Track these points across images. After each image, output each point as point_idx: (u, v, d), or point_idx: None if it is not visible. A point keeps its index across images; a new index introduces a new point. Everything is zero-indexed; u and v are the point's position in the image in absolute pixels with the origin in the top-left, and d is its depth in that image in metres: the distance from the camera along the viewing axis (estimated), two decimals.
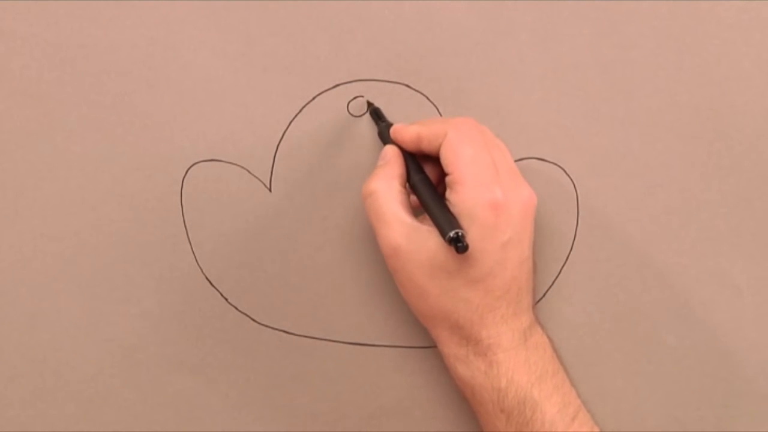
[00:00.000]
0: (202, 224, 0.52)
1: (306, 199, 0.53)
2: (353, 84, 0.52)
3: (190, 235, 0.52)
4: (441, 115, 0.52)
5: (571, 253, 0.53)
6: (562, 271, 0.54)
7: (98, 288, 0.52)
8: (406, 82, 0.52)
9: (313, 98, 0.52)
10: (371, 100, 0.52)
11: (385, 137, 0.50)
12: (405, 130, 0.49)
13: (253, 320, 0.53)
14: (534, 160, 0.53)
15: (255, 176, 0.52)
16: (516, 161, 0.52)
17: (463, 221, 0.45)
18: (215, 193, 0.52)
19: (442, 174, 0.47)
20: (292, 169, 0.52)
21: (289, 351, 0.53)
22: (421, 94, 0.52)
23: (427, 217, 0.47)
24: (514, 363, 0.47)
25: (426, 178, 0.48)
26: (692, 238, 0.53)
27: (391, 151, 0.49)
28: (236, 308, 0.53)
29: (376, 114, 0.51)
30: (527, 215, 0.47)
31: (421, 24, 0.51)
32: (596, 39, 0.52)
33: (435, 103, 0.52)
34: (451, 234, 0.43)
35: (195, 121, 0.52)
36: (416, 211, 0.48)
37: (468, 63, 0.52)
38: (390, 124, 0.50)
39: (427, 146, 0.48)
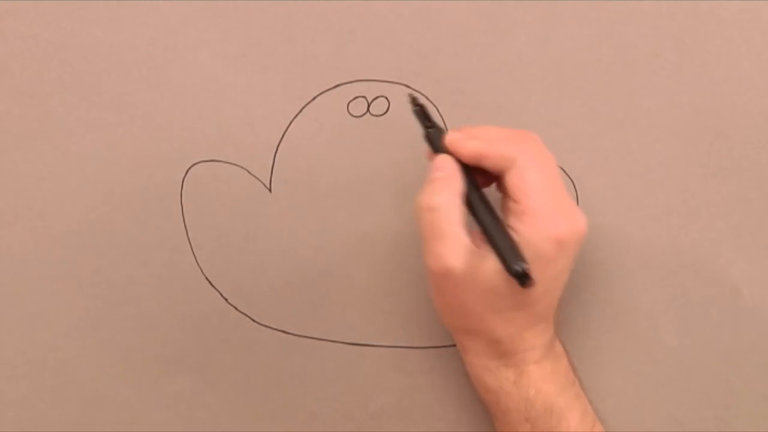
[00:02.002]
0: (202, 224, 0.52)
1: (306, 199, 0.53)
2: (353, 84, 0.52)
3: (190, 235, 0.52)
4: (441, 114, 0.52)
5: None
6: None
7: (98, 288, 0.52)
8: (406, 82, 0.52)
9: (313, 98, 0.52)
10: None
11: (434, 143, 0.47)
12: (465, 145, 0.45)
13: (253, 320, 0.53)
14: None
15: (255, 176, 0.52)
16: None
17: (528, 253, 0.43)
18: (215, 193, 0.52)
19: (486, 183, 0.46)
20: (292, 169, 0.52)
21: (289, 351, 0.53)
22: (421, 94, 0.52)
23: (476, 234, 0.45)
24: (542, 373, 0.47)
25: (484, 199, 0.45)
26: (692, 238, 0.53)
27: (450, 163, 0.45)
28: (236, 308, 0.53)
29: (423, 114, 0.47)
30: (579, 244, 0.46)
31: (421, 24, 0.51)
32: (596, 39, 0.52)
33: (435, 103, 0.52)
34: (518, 268, 0.42)
35: (195, 121, 0.52)
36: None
37: (468, 63, 0.52)
38: (441, 129, 0.47)
39: (488, 165, 0.45)
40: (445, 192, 0.44)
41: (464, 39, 0.52)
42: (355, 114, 0.52)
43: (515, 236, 0.43)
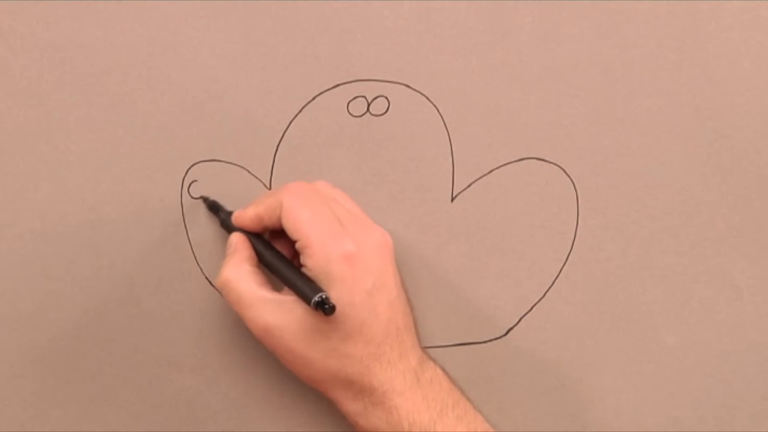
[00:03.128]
0: (202, 224, 0.52)
1: None
2: (353, 84, 0.52)
3: (190, 235, 0.52)
4: (441, 115, 0.52)
5: (571, 253, 0.53)
6: (562, 271, 0.54)
7: (98, 288, 0.52)
8: (406, 82, 0.52)
9: (313, 98, 0.52)
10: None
11: (228, 226, 0.50)
12: (244, 215, 0.49)
13: None
14: (534, 160, 0.53)
15: (255, 176, 0.52)
16: (516, 161, 0.52)
17: (322, 282, 0.45)
18: (215, 193, 0.52)
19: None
20: (292, 169, 0.52)
21: None
22: (421, 94, 0.52)
23: (287, 290, 0.47)
24: (412, 404, 0.46)
25: (276, 253, 0.48)
26: (692, 238, 0.53)
27: (235, 238, 0.49)
28: None
29: (215, 207, 0.51)
30: (385, 256, 0.48)
31: (421, 24, 0.51)
32: (596, 39, 0.52)
33: (435, 103, 0.52)
34: (315, 299, 0.43)
35: (195, 121, 0.51)
36: (278, 286, 0.48)
37: (468, 63, 0.52)
38: (230, 213, 0.50)
39: (269, 222, 0.48)
40: (234, 264, 0.48)
41: (464, 39, 0.52)
42: (355, 114, 0.52)
43: (308, 272, 0.46)
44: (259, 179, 0.52)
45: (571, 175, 0.53)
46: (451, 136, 0.53)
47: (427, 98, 0.52)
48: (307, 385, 0.49)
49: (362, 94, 0.52)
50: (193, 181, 0.52)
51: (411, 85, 0.52)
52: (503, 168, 0.53)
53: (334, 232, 0.46)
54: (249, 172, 0.52)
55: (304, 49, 0.51)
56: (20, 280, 0.52)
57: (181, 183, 0.52)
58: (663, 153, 0.52)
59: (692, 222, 0.53)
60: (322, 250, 0.45)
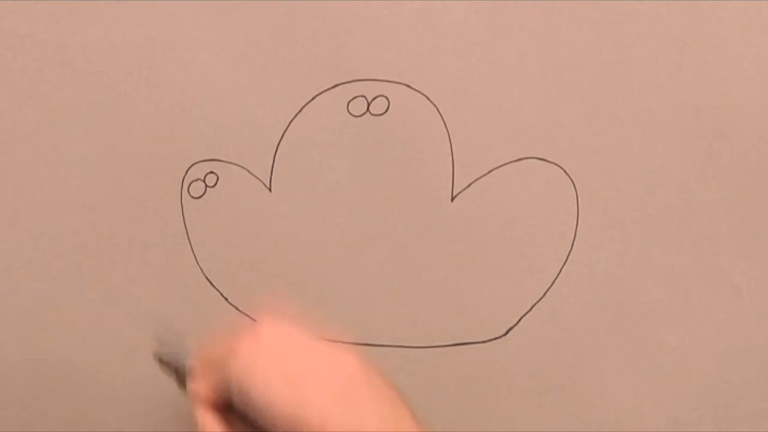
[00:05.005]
0: (202, 224, 0.52)
1: (306, 199, 0.53)
2: (353, 84, 0.52)
3: (190, 235, 0.52)
4: (441, 115, 0.52)
5: (571, 253, 0.53)
6: (562, 271, 0.54)
7: (98, 288, 0.52)
8: (406, 82, 0.52)
9: (313, 98, 0.52)
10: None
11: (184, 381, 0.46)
12: (200, 393, 0.44)
13: (254, 320, 0.53)
14: (534, 160, 0.53)
15: (255, 176, 0.52)
16: (516, 161, 0.52)
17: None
18: (215, 193, 0.52)
19: None
20: (292, 169, 0.52)
21: None
22: (421, 94, 0.52)
23: None
24: None
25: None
26: (692, 238, 0.53)
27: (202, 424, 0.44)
28: (236, 308, 0.53)
29: (178, 374, 0.47)
30: (353, 381, 0.42)
31: (421, 24, 0.51)
32: (596, 39, 0.52)
33: (435, 103, 0.52)
34: None
35: (195, 121, 0.52)
36: None
37: (468, 63, 0.52)
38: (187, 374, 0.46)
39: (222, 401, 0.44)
40: (205, 417, 0.43)
41: (464, 39, 0.52)
42: (355, 114, 0.52)
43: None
44: (259, 179, 0.52)
45: (571, 175, 0.53)
46: (451, 136, 0.53)
47: (427, 98, 0.52)
48: None
49: (362, 94, 0.52)
50: (193, 181, 0.52)
51: (411, 85, 0.52)
52: (503, 168, 0.53)
53: (293, 399, 0.41)
54: (249, 172, 0.52)
55: (304, 49, 0.51)
56: (20, 280, 0.52)
57: (181, 183, 0.52)
58: (663, 153, 0.52)
59: (692, 222, 0.53)
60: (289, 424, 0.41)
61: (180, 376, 0.47)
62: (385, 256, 0.53)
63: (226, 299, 0.53)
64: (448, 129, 0.53)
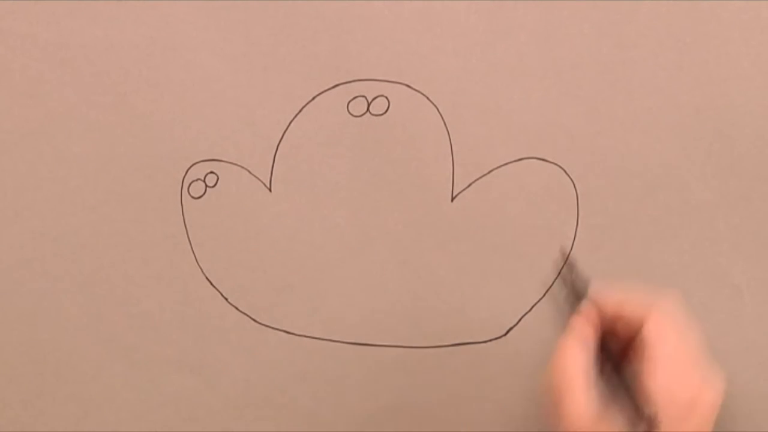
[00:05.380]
0: (202, 224, 0.52)
1: (306, 199, 0.53)
2: (353, 84, 0.52)
3: (190, 235, 0.52)
4: (441, 115, 0.52)
5: (571, 253, 0.53)
6: (562, 271, 0.54)
7: (98, 288, 0.52)
8: (406, 82, 0.52)
9: (313, 98, 0.52)
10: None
11: (579, 293, 0.49)
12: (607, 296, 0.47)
13: (254, 320, 0.53)
14: (534, 160, 0.53)
15: (255, 176, 0.52)
16: (516, 161, 0.52)
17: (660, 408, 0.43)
18: (215, 193, 0.52)
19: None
20: (292, 169, 0.52)
21: (290, 351, 0.53)
22: (421, 94, 0.52)
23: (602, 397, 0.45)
24: None
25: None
26: (692, 238, 0.53)
27: (583, 325, 0.47)
28: (236, 308, 0.53)
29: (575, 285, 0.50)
30: (711, 412, 0.44)
31: (421, 24, 0.51)
32: (596, 39, 0.52)
33: (435, 103, 0.52)
34: (648, 412, 0.42)
35: (195, 121, 0.52)
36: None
37: (468, 63, 0.52)
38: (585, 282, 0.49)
39: (628, 313, 0.46)
40: (579, 355, 0.46)
41: (464, 39, 0.52)
42: (355, 114, 0.52)
43: (648, 392, 0.44)
44: (259, 179, 0.52)
45: (571, 175, 0.53)
46: (451, 136, 0.53)
47: (427, 98, 0.52)
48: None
49: (362, 94, 0.52)
50: (193, 181, 0.52)
51: (411, 85, 0.52)
52: (503, 168, 0.53)
53: (692, 372, 0.45)
54: (249, 172, 0.52)
55: (304, 49, 0.51)
56: (20, 280, 0.52)
57: (181, 183, 0.52)
58: (663, 153, 0.52)
59: (692, 222, 0.53)
60: (676, 384, 0.44)
61: (573, 299, 0.49)
62: (385, 256, 0.53)
63: (226, 299, 0.53)
64: (448, 129, 0.53)
